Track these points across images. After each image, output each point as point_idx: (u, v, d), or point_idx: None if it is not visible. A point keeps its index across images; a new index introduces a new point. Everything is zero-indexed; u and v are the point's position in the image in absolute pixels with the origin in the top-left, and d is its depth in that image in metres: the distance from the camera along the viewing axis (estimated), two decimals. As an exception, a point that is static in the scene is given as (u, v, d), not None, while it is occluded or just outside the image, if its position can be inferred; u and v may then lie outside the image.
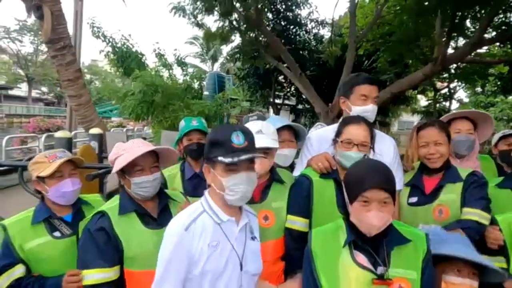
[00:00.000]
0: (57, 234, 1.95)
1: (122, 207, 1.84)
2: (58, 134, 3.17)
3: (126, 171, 1.84)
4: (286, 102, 18.48)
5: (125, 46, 9.24)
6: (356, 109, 2.25)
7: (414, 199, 2.22)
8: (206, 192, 1.63)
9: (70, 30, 5.78)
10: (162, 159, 1.99)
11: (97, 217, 1.82)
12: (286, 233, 2.01)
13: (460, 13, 6.91)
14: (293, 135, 2.41)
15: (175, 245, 1.48)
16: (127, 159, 1.78)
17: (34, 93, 46.80)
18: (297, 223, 1.99)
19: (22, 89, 46.27)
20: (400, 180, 2.29)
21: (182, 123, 2.72)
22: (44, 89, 48.81)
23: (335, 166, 2.05)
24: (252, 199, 1.88)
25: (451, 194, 2.10)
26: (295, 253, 1.95)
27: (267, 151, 1.98)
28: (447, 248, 1.63)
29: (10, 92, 43.43)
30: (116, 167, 1.83)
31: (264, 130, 2.02)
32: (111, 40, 9.22)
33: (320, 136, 2.39)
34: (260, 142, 1.91)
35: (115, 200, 1.90)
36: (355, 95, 2.28)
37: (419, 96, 20.94)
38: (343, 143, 1.98)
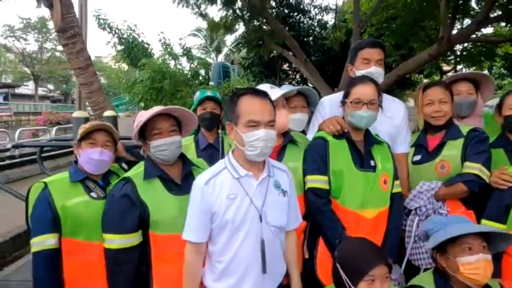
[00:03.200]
0: (93, 195, 2.02)
1: (146, 172, 1.92)
2: (75, 114, 3.24)
3: (146, 135, 1.93)
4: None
5: (131, 36, 9.30)
6: (360, 73, 2.32)
7: (418, 157, 2.33)
8: (230, 151, 1.75)
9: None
10: (184, 125, 2.07)
11: (122, 183, 1.90)
12: (309, 193, 2.05)
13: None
14: (305, 101, 2.50)
15: (197, 197, 1.65)
16: (143, 121, 1.87)
17: (41, 91, 47.06)
18: (319, 181, 2.05)
19: (28, 87, 46.59)
20: (408, 143, 2.39)
21: (197, 94, 2.78)
22: (51, 86, 49.07)
23: (346, 129, 2.11)
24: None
25: (453, 150, 2.19)
26: (321, 210, 2.01)
27: (284, 104, 2.13)
28: (453, 230, 1.63)
29: (17, 90, 43.77)
30: (135, 130, 1.92)
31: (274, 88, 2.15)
32: (117, 31, 9.28)
33: (332, 100, 2.46)
34: (275, 93, 2.07)
35: (140, 167, 1.98)
36: (358, 60, 2.37)
37: (425, 81, 20.79)
38: (352, 103, 2.05)
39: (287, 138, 2.19)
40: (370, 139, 2.13)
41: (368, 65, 2.33)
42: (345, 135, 2.10)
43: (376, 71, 2.31)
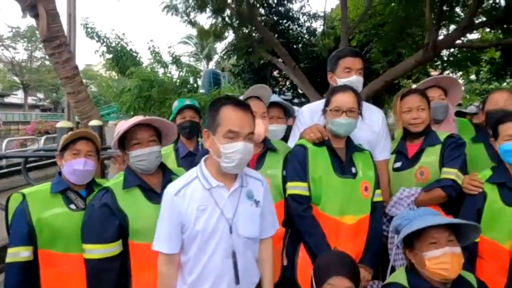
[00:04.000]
0: (72, 206, 2.01)
1: (126, 181, 1.92)
2: (60, 124, 3.22)
3: (126, 145, 1.93)
4: (282, 97, 18.53)
5: (120, 45, 9.28)
6: (341, 82, 2.36)
7: (398, 164, 2.37)
8: (202, 159, 1.73)
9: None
10: (164, 135, 2.07)
11: (101, 193, 1.90)
12: (290, 200, 2.08)
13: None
14: (282, 112, 2.53)
15: (167, 207, 1.64)
16: (122, 131, 1.87)
17: (30, 100, 46.65)
18: (299, 187, 2.07)
19: (18, 96, 46.17)
20: (388, 149, 2.42)
21: (175, 104, 2.81)
22: (40, 95, 48.69)
23: (327, 136, 2.14)
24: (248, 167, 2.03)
25: (431, 156, 2.24)
26: (302, 216, 2.03)
27: (264, 115, 2.14)
28: (417, 223, 1.62)
29: (6, 99, 43.34)
30: (114, 140, 1.92)
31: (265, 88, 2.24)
32: (105, 39, 9.27)
33: (312, 108, 2.51)
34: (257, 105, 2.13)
35: (120, 176, 1.98)
36: (339, 69, 2.40)
37: (413, 86, 21.04)
38: (332, 111, 2.09)
39: (266, 145, 2.21)
40: (352, 147, 2.17)
41: (350, 74, 2.37)
42: (326, 142, 2.13)
43: (357, 80, 2.36)
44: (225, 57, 13.97)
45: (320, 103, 2.37)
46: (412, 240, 1.66)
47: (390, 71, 8.41)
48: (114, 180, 1.99)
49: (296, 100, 18.53)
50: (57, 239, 1.93)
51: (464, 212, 2.09)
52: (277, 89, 17.30)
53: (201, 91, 10.34)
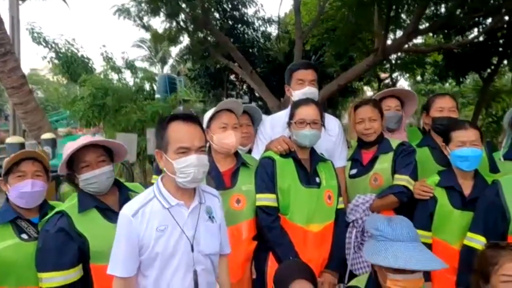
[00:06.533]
0: (24, 236, 1.87)
1: (81, 204, 1.83)
2: (10, 139, 3.04)
3: (74, 167, 1.84)
4: (239, 100, 18.61)
5: (70, 51, 8.86)
6: (296, 93, 2.49)
7: (354, 171, 2.50)
8: (158, 178, 1.69)
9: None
10: (115, 152, 1.99)
11: (56, 218, 1.80)
12: (259, 211, 2.13)
13: (394, 7, 7.39)
14: (250, 119, 2.58)
15: (124, 229, 1.57)
16: (68, 154, 1.78)
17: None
18: (267, 199, 2.13)
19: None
20: (344, 157, 2.55)
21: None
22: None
23: (293, 148, 2.21)
24: (224, 185, 2.08)
25: (384, 163, 2.38)
26: (271, 227, 2.09)
27: (236, 126, 2.17)
28: (392, 258, 1.53)
29: None
30: (61, 166, 1.84)
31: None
32: (53, 45, 8.81)
33: (273, 120, 2.61)
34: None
35: (73, 198, 1.88)
36: (293, 81, 2.53)
37: (365, 88, 21.91)
38: (297, 124, 2.17)
39: (239, 161, 2.23)
40: (316, 157, 2.25)
41: (303, 85, 2.49)
42: (291, 154, 2.20)
43: (310, 91, 2.47)
44: (180, 61, 13.78)
45: (280, 114, 2.52)
46: None
47: (343, 75, 8.72)
48: (68, 202, 1.89)
49: (253, 104, 18.68)
50: (9, 275, 1.79)
51: (418, 217, 2.22)
52: (234, 93, 17.34)
53: (157, 96, 10.11)
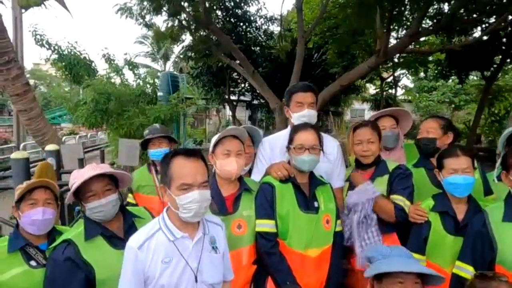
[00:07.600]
0: (33, 263, 1.90)
1: (87, 232, 1.85)
2: (14, 155, 3.05)
3: (81, 197, 1.87)
4: (242, 98, 18.61)
5: (72, 53, 8.86)
6: (294, 116, 2.53)
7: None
8: (164, 210, 1.73)
9: (10, 37, 5.51)
10: (120, 179, 2.02)
11: (63, 247, 1.81)
12: (258, 237, 2.16)
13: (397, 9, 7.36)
14: (250, 139, 2.63)
15: (130, 261, 1.61)
16: (75, 186, 1.82)
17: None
18: (267, 225, 2.16)
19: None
20: (342, 178, 2.62)
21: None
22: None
23: (293, 174, 2.24)
24: (226, 210, 2.12)
25: (380, 186, 2.40)
26: (270, 253, 2.13)
27: (240, 152, 2.18)
28: (387, 265, 1.71)
29: None
30: (69, 196, 1.88)
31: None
32: (56, 47, 8.81)
33: (271, 142, 2.65)
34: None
35: (80, 226, 1.91)
36: (292, 103, 2.56)
37: (368, 85, 21.86)
38: (296, 149, 2.20)
39: (242, 186, 2.25)
40: (315, 181, 2.28)
41: (302, 108, 2.52)
42: (291, 179, 2.23)
43: (309, 114, 2.50)
44: (182, 57, 13.77)
45: (278, 135, 2.59)
46: (382, 275, 1.75)
47: (345, 76, 8.69)
48: (74, 230, 1.92)
49: (255, 102, 18.67)
50: None
51: (412, 241, 2.26)
52: (237, 91, 17.34)
53: (159, 93, 10.09)
